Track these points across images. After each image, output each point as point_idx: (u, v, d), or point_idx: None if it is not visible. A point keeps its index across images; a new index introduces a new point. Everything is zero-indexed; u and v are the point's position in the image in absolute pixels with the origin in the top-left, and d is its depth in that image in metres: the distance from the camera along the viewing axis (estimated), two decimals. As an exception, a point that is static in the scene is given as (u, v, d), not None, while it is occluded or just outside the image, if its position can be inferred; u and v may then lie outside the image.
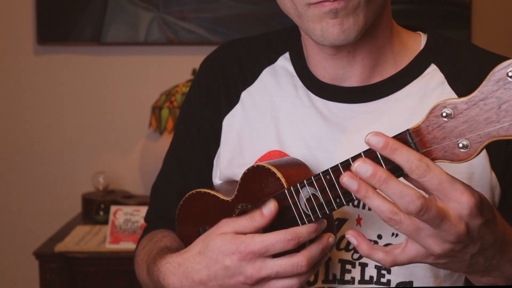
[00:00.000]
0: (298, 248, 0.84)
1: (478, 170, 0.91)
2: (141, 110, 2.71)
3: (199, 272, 0.87)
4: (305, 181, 0.83)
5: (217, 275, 0.85)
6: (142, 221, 2.27)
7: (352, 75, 0.96)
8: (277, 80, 1.03)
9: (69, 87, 2.73)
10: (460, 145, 0.67)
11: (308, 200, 0.83)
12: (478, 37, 2.79)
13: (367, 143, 0.70)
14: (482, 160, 0.91)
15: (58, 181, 2.74)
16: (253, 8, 2.66)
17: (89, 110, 2.74)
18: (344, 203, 0.79)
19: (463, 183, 0.70)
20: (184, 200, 1.04)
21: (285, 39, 1.06)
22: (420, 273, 0.93)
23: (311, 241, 0.85)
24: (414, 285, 0.93)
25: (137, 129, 2.74)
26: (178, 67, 2.71)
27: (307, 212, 0.84)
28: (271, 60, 1.05)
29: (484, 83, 0.65)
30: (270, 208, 0.84)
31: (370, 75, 0.96)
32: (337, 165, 0.77)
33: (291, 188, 0.86)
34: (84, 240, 2.28)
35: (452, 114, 0.67)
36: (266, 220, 0.84)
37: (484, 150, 0.89)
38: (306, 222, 0.85)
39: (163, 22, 2.68)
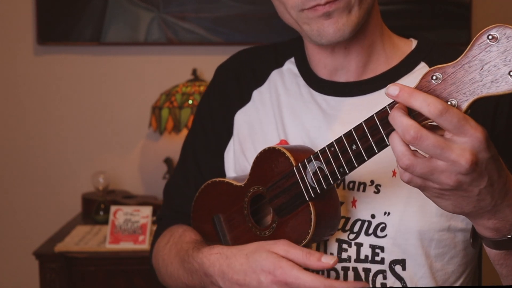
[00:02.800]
0: None
1: None
2: (141, 110, 2.71)
3: (238, 273, 0.95)
4: (311, 156, 0.91)
5: (250, 284, 0.93)
6: (142, 221, 2.27)
7: (348, 70, 1.06)
8: (283, 81, 1.14)
9: (69, 87, 2.73)
10: (448, 103, 0.74)
11: (314, 173, 0.91)
12: (478, 37, 2.79)
13: (387, 94, 0.76)
14: None
15: (58, 181, 2.75)
16: (253, 8, 2.66)
17: (89, 110, 2.74)
18: (347, 171, 0.86)
19: (473, 120, 0.75)
20: (200, 191, 1.12)
21: (292, 46, 1.17)
22: (412, 251, 1.00)
23: None
24: (406, 263, 1.00)
25: (137, 129, 2.74)
26: (178, 67, 2.71)
27: (313, 185, 0.92)
28: (279, 64, 1.16)
29: (469, 47, 0.73)
30: (330, 258, 0.90)
31: (364, 71, 1.06)
32: (341, 136, 0.86)
33: (299, 164, 0.94)
34: (84, 240, 2.28)
35: (441, 78, 0.75)
36: (320, 266, 0.90)
37: None
38: (312, 195, 0.92)
39: (163, 22, 2.68)
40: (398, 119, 0.75)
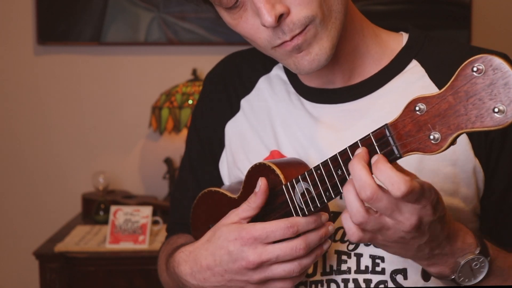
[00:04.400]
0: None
1: (462, 157, 0.97)
2: (141, 110, 2.71)
3: (206, 258, 0.93)
4: (299, 177, 0.89)
5: (221, 260, 0.91)
6: (142, 221, 2.27)
7: (335, 78, 1.03)
8: (272, 87, 1.11)
9: (69, 87, 2.73)
10: (431, 137, 0.71)
11: (302, 194, 0.88)
12: (478, 37, 2.79)
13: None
14: (465, 147, 0.96)
15: (58, 181, 2.75)
16: (253, 8, 2.66)
17: (89, 110, 2.74)
18: (333, 196, 0.84)
19: (426, 182, 0.76)
20: (198, 199, 1.11)
21: None
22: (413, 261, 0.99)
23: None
24: (408, 272, 0.98)
25: (137, 129, 2.74)
26: (178, 67, 2.71)
27: (301, 206, 0.89)
28: (267, 69, 1.13)
29: (453, 78, 0.69)
30: (259, 186, 0.92)
31: (351, 77, 1.03)
32: (326, 160, 0.83)
33: (288, 183, 0.91)
34: (84, 240, 2.28)
35: (425, 108, 0.71)
36: (260, 198, 0.92)
37: (467, 139, 0.96)
38: (301, 216, 0.90)
39: (163, 22, 2.68)
40: (358, 172, 0.74)
